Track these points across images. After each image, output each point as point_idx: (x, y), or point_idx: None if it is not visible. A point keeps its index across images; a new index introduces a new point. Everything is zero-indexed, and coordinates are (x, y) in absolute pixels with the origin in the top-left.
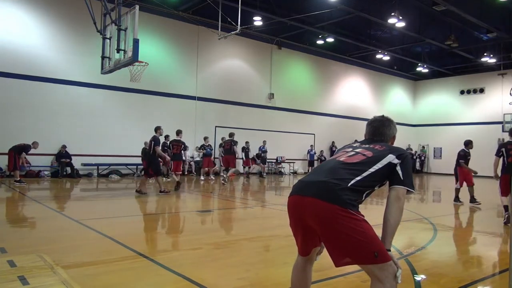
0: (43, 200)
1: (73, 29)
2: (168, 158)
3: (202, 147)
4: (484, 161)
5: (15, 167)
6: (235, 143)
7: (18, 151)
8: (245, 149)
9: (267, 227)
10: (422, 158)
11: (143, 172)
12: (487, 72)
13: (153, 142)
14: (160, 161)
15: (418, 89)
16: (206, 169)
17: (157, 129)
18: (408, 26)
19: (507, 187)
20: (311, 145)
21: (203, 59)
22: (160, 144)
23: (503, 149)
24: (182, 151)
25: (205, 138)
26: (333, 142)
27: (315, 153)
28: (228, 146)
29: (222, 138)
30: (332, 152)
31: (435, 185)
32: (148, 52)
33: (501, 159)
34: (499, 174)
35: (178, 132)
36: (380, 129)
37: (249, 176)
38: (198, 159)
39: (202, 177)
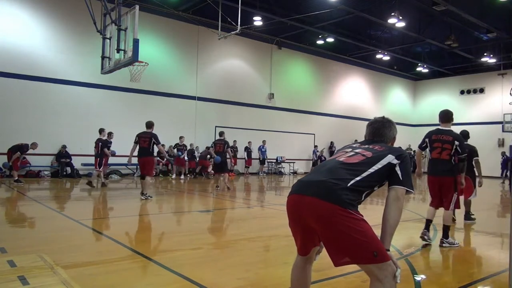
0: (43, 200)
1: (73, 29)
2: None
3: (176, 146)
4: (483, 162)
5: (7, 164)
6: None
7: (14, 151)
8: (248, 149)
9: (267, 227)
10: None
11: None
12: (487, 72)
13: (226, 145)
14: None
15: (418, 89)
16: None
17: (101, 131)
18: (408, 26)
19: (437, 196)
20: (316, 146)
21: (203, 59)
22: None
23: (427, 140)
24: (105, 149)
25: (180, 138)
26: (331, 142)
27: (319, 151)
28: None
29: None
30: (331, 153)
31: None
32: (148, 52)
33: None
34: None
35: (101, 131)
36: (380, 130)
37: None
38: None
39: (173, 176)
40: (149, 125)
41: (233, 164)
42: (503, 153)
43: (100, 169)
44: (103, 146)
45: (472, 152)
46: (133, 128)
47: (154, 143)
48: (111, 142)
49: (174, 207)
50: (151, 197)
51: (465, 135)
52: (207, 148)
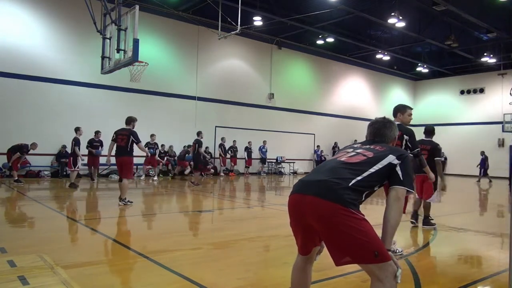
0: (43, 200)
1: (73, 29)
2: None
3: (147, 145)
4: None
5: (6, 165)
6: (200, 144)
7: (13, 151)
8: (248, 149)
9: (267, 227)
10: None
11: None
12: (487, 72)
13: (197, 144)
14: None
15: (418, 89)
16: (148, 167)
17: (77, 130)
18: (408, 26)
19: None
20: (318, 146)
21: (203, 59)
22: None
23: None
24: (76, 148)
25: (151, 136)
26: (335, 142)
27: (321, 151)
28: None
29: (222, 138)
30: (334, 153)
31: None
32: (148, 52)
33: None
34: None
35: (77, 130)
36: (381, 130)
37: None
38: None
39: (142, 177)
40: (128, 121)
41: (232, 164)
42: (482, 152)
43: (73, 169)
44: (75, 145)
45: (435, 150)
46: None
47: (133, 141)
48: (99, 141)
49: (174, 207)
50: (131, 202)
51: (430, 130)
52: (184, 147)
